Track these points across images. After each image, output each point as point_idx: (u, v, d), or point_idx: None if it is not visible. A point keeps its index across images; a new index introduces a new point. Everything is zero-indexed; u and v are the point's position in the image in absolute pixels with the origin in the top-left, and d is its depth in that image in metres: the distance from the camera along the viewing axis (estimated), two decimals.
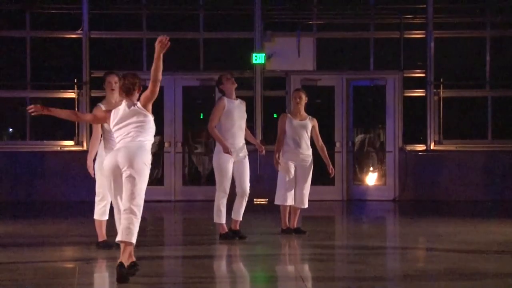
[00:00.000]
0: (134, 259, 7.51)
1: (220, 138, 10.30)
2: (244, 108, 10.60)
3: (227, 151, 10.23)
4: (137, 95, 8.04)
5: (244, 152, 10.50)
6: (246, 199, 10.52)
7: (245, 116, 10.61)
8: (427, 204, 16.01)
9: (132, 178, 7.55)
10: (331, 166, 11.08)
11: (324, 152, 11.10)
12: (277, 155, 10.97)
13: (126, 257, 7.49)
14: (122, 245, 7.53)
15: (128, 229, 7.51)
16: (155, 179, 16.74)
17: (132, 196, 7.58)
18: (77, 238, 10.74)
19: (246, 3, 16.91)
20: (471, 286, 7.46)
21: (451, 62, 17.23)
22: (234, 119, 10.43)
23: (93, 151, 9.50)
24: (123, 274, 7.44)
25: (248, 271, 8.63)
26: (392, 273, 8.47)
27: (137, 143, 7.67)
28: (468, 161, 16.74)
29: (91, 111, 16.33)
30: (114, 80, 9.57)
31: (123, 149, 7.67)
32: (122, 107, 7.90)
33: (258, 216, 13.16)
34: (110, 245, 9.46)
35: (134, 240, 7.52)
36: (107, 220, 9.50)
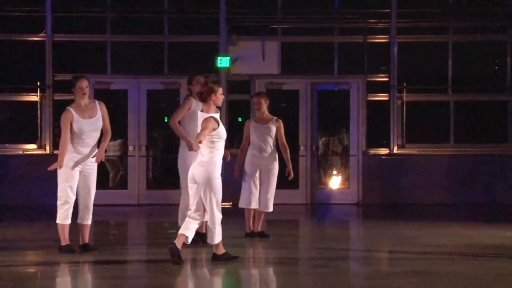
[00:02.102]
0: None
1: (183, 133, 10.22)
2: None
3: (191, 146, 10.18)
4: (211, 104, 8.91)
5: None
6: None
7: None
8: (390, 207, 16.11)
9: None
10: (290, 168, 11.06)
11: (286, 153, 11.07)
12: (238, 165, 11.01)
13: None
14: None
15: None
16: (119, 183, 16.66)
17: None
18: (39, 242, 10.65)
19: (211, 7, 16.90)
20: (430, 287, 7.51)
21: (414, 67, 17.35)
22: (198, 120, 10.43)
23: (65, 152, 9.37)
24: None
25: (211, 275, 8.61)
26: (356, 276, 8.50)
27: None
28: (431, 165, 16.87)
29: (54, 114, 16.31)
30: (85, 85, 9.52)
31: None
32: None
33: (222, 219, 13.09)
34: (73, 249, 9.40)
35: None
36: (70, 224, 9.42)
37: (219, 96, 9.00)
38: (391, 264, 9.35)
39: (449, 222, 13.57)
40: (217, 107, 9.02)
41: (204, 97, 8.92)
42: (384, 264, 9.45)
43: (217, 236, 8.82)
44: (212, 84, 9.14)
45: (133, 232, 13.27)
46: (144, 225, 13.91)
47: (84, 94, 9.49)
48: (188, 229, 8.76)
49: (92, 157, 9.48)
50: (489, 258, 8.95)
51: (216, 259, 8.89)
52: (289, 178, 11.16)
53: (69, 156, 9.35)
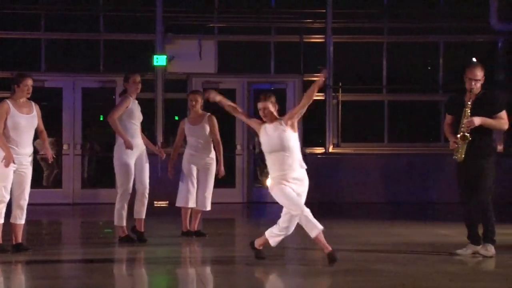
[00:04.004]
0: None
1: (122, 131, 10.18)
2: (139, 109, 10.55)
3: (129, 145, 10.13)
4: None
5: (142, 147, 10.43)
6: (147, 197, 10.43)
7: (141, 117, 10.55)
8: (326, 206, 16.22)
9: None
10: (221, 166, 11.06)
11: (218, 149, 11.04)
12: (172, 164, 11.00)
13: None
14: None
15: None
16: (54, 182, 16.46)
17: None
18: None
19: (148, 5, 16.82)
20: (368, 285, 7.59)
21: (349, 67, 17.53)
22: (135, 118, 10.39)
23: (5, 146, 9.19)
24: None
25: (147, 274, 8.57)
26: (291, 274, 8.55)
27: None
28: (366, 164, 17.06)
29: None
30: (31, 83, 9.44)
31: None
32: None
33: (159, 219, 13.09)
34: (5, 249, 9.26)
35: None
36: (3, 224, 9.28)
37: None
38: (326, 262, 9.42)
39: (383, 220, 13.73)
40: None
41: None
42: (319, 262, 9.52)
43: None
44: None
45: (67, 231, 13.13)
46: (79, 225, 13.77)
47: (29, 93, 9.42)
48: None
49: (30, 157, 9.38)
50: (422, 256, 9.09)
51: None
52: (219, 177, 11.13)
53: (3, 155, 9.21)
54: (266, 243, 8.75)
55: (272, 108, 8.75)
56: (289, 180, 8.63)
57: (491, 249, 9.07)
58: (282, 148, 8.63)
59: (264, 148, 8.83)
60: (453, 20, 17.26)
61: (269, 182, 8.89)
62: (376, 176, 17.02)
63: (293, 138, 8.67)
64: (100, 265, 8.74)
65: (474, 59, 17.50)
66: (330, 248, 8.40)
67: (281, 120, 8.74)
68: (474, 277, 7.96)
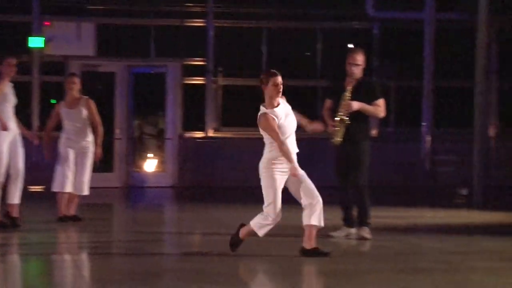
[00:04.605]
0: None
1: None
2: (13, 93, 10.30)
3: (4, 126, 9.88)
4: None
5: (16, 131, 10.19)
6: (22, 182, 10.21)
7: (15, 101, 10.31)
8: (206, 190, 16.29)
9: None
10: (98, 148, 10.90)
11: (97, 132, 10.87)
12: (46, 147, 10.79)
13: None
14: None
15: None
16: None
17: None
18: None
19: None
20: (244, 268, 7.67)
21: (230, 51, 17.59)
22: (10, 102, 10.15)
23: None
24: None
25: (21, 260, 8.40)
26: (168, 259, 8.55)
27: None
28: (246, 148, 17.16)
29: None
30: None
31: None
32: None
33: (34, 203, 12.83)
34: None
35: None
36: None
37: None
38: (203, 246, 9.47)
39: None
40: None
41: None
42: (196, 246, 9.56)
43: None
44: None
45: None
46: None
47: None
48: None
49: None
50: (296, 239, 9.23)
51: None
52: (96, 159, 10.97)
53: None
54: (250, 234, 8.28)
55: None
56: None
57: (365, 232, 9.31)
58: (295, 126, 8.35)
59: (288, 130, 8.27)
60: (330, 7, 17.55)
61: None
62: (255, 161, 17.07)
63: None
64: None
65: (350, 45, 17.86)
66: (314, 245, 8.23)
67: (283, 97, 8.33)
68: (347, 259, 8.14)
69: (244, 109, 17.79)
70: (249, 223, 8.15)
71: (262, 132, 8.16)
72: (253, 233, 8.12)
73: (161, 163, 17.15)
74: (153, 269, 7.59)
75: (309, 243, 8.05)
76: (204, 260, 8.10)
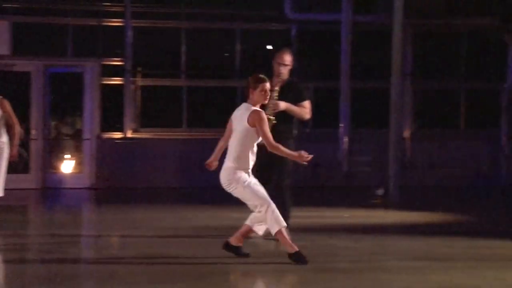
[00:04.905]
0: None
1: None
2: None
3: None
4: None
5: None
6: None
7: None
8: (124, 191, 16.17)
9: None
10: (14, 148, 10.70)
11: (13, 132, 10.63)
12: None
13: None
14: None
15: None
16: None
17: None
18: None
19: None
20: (163, 270, 7.65)
21: (149, 52, 17.51)
22: None
23: None
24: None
25: None
26: (86, 262, 8.47)
27: None
28: (164, 149, 17.13)
29: None
30: None
31: None
32: None
33: None
34: None
35: None
36: None
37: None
38: (121, 248, 9.41)
39: (181, 205, 13.87)
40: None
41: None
42: (115, 248, 9.49)
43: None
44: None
45: None
46: None
47: None
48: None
49: None
50: (214, 239, 9.24)
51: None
52: (11, 160, 10.76)
53: None
54: (247, 235, 8.19)
55: None
56: None
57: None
58: None
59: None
60: (249, 8, 17.63)
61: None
62: (174, 161, 17.13)
63: None
64: None
65: (269, 47, 18.01)
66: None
67: None
68: (267, 260, 8.18)
69: (163, 110, 17.73)
70: (255, 230, 8.05)
71: (240, 132, 7.95)
72: (283, 236, 7.91)
73: (79, 164, 16.96)
74: (70, 272, 7.51)
75: (236, 239, 8.06)
76: (121, 262, 8.05)
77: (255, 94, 7.95)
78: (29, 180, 16.26)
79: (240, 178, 7.92)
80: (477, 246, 9.33)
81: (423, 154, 18.09)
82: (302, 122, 10.26)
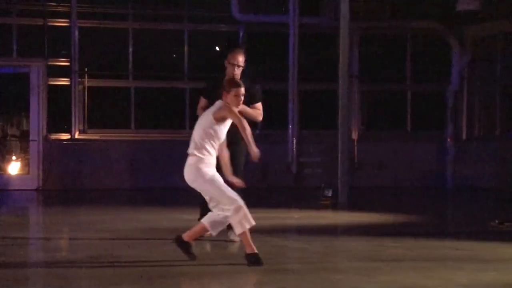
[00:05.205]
0: None
1: None
2: None
3: None
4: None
5: None
6: None
7: None
8: (71, 193, 16.03)
9: None
10: None
11: None
12: None
13: None
14: None
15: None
16: None
17: None
18: None
19: None
20: (113, 273, 7.59)
21: (96, 52, 17.39)
22: None
23: None
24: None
25: None
26: (35, 264, 8.36)
27: None
28: (112, 150, 17.02)
29: None
30: None
31: None
32: None
33: None
34: None
35: None
36: None
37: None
38: (70, 250, 9.32)
39: (129, 206, 13.79)
40: None
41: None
42: (64, 250, 9.39)
43: None
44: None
45: None
46: None
47: None
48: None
49: None
50: (164, 241, 9.20)
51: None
52: None
53: None
54: (201, 234, 8.11)
55: None
56: None
57: (234, 234, 9.33)
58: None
59: (222, 136, 8.02)
60: (198, 9, 17.61)
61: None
62: (122, 163, 17.03)
63: None
64: None
65: (217, 48, 18.01)
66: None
67: None
68: (218, 261, 8.17)
69: (111, 111, 17.62)
70: (232, 232, 8.06)
71: (207, 127, 7.86)
72: (246, 236, 7.84)
73: (25, 165, 16.76)
74: (19, 276, 7.40)
75: (190, 235, 8.00)
76: (69, 265, 7.96)
77: (228, 98, 7.90)
78: None
79: (206, 174, 7.86)
80: (425, 246, 9.43)
81: (372, 155, 18.26)
82: (253, 123, 10.27)
